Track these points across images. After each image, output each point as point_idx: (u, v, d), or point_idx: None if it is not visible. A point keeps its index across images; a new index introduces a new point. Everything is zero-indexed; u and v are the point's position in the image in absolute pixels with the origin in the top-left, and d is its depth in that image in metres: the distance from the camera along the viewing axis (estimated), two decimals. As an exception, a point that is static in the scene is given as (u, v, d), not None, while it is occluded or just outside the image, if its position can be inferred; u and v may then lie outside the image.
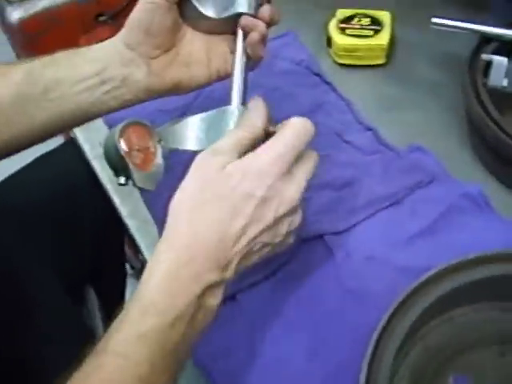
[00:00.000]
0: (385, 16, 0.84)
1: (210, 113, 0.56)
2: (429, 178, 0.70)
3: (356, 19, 0.83)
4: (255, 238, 0.48)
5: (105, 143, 0.54)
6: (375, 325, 0.57)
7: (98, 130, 0.81)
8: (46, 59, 0.60)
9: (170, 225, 0.48)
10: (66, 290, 0.70)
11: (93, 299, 0.81)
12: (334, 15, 0.85)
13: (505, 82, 0.68)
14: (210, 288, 0.46)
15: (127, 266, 1.21)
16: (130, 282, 1.13)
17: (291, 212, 0.50)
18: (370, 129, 0.76)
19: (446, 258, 0.57)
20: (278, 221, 0.49)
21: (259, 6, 0.57)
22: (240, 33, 0.58)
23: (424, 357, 0.56)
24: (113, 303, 0.95)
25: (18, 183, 0.86)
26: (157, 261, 0.47)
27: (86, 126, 0.81)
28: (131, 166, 0.52)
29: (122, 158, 0.52)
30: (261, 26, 0.56)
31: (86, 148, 0.80)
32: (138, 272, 1.49)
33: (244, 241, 0.47)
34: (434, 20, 0.75)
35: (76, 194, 0.84)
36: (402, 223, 0.67)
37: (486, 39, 0.73)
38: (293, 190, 0.49)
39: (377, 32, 0.82)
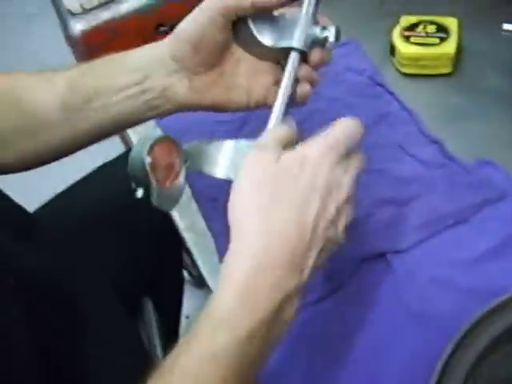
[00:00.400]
0: (452, 23, 0.80)
1: (245, 142, 0.54)
2: (498, 195, 0.66)
3: (421, 26, 0.80)
4: (325, 232, 0.45)
5: (132, 153, 0.53)
6: (438, 351, 0.54)
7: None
8: (84, 68, 0.60)
9: (236, 233, 0.45)
10: (122, 302, 0.70)
11: (150, 310, 0.82)
12: (398, 22, 0.83)
13: None
14: (288, 297, 0.43)
15: (185, 273, 1.22)
16: (187, 288, 1.13)
17: (347, 202, 0.47)
18: (435, 141, 0.72)
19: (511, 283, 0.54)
20: (339, 212, 0.47)
21: (314, 44, 0.56)
22: (289, 68, 0.56)
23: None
24: (170, 313, 0.95)
25: (78, 194, 0.87)
26: (228, 274, 0.44)
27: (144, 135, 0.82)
28: (153, 183, 0.51)
29: (145, 171, 0.51)
30: (307, 69, 0.56)
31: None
32: (196, 279, 1.49)
33: (319, 235, 0.45)
34: (506, 26, 0.72)
35: (134, 205, 0.84)
36: (468, 243, 0.64)
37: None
38: (347, 179, 0.47)
39: (443, 40, 0.78)
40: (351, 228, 0.50)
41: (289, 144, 0.49)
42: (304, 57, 0.57)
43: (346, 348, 0.58)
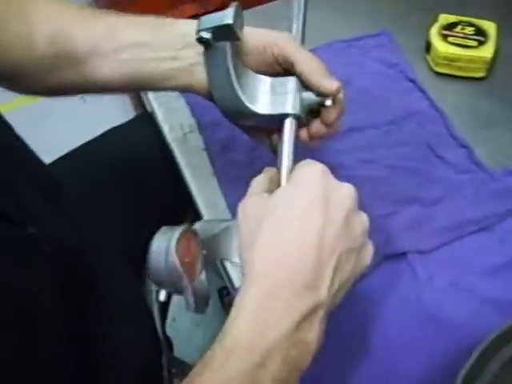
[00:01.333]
0: (490, 27, 0.79)
1: None
2: (523, 206, 0.66)
3: (459, 27, 0.79)
4: (335, 244, 0.43)
5: (152, 255, 0.49)
6: (453, 356, 0.54)
7: (178, 112, 0.79)
8: (130, 20, 0.59)
9: (246, 262, 0.45)
10: (132, 268, 0.69)
11: (150, 283, 0.80)
12: (434, 20, 0.81)
13: None
14: (304, 317, 0.42)
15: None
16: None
17: (354, 211, 0.46)
18: (464, 146, 0.72)
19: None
20: (347, 221, 0.45)
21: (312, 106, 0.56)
22: (286, 133, 0.54)
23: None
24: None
25: (89, 154, 0.85)
26: (240, 302, 0.43)
27: (166, 104, 0.80)
28: (186, 283, 0.47)
29: (171, 272, 0.47)
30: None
31: (165, 129, 0.77)
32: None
33: (328, 250, 0.43)
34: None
35: (146, 175, 0.82)
36: (489, 251, 0.64)
37: None
38: (347, 186, 0.47)
39: (481, 43, 0.77)
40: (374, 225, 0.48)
41: (270, 184, 0.51)
42: (301, 121, 0.56)
43: (361, 345, 0.58)
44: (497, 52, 0.80)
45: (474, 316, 0.59)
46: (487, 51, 0.77)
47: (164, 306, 0.89)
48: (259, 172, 0.70)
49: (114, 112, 1.56)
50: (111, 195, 0.78)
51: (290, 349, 0.41)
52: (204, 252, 0.51)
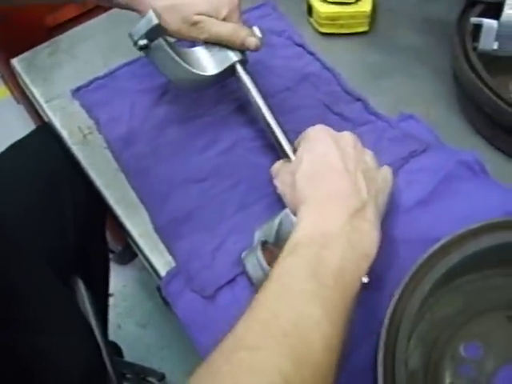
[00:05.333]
0: (364, -19, 0.82)
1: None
2: (422, 147, 0.69)
3: (336, -14, 0.81)
4: (356, 166, 0.55)
5: (250, 274, 0.56)
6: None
7: (75, 115, 0.77)
8: None
9: (294, 198, 0.55)
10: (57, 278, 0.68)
11: (81, 289, 0.79)
12: (312, -18, 0.83)
13: (495, 45, 0.67)
14: (356, 211, 0.50)
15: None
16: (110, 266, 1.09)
17: (358, 145, 0.58)
18: (359, 99, 0.74)
19: (446, 228, 0.57)
20: (356, 151, 0.57)
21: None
22: (243, 76, 0.66)
23: (434, 327, 0.56)
24: (99, 289, 0.93)
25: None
26: (299, 216, 0.51)
27: (61, 111, 0.78)
28: None
29: None
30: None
31: (64, 134, 0.76)
32: (118, 256, 1.46)
33: (351, 168, 0.54)
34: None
35: (56, 179, 0.80)
36: (397, 195, 0.66)
37: (471, 2, 0.72)
38: (348, 133, 0.58)
39: (359, -1, 0.79)
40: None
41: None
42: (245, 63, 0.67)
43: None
44: (375, 5, 0.83)
45: (391, 259, 0.61)
46: (366, 5, 0.79)
47: (101, 312, 0.88)
48: (164, 161, 0.70)
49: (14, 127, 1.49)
50: (24, 206, 0.76)
51: (351, 235, 0.49)
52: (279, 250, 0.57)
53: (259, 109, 0.65)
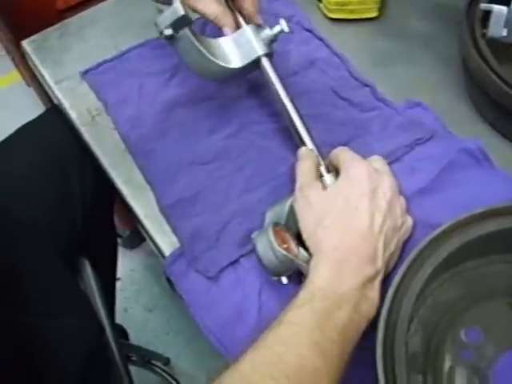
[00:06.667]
0: (375, -33, 0.81)
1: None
2: (428, 135, 0.69)
3: (346, -29, 0.81)
4: (383, 224, 0.55)
5: (261, 255, 0.56)
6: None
7: (83, 97, 0.78)
8: None
9: (313, 241, 0.55)
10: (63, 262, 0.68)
11: (88, 271, 0.79)
12: (322, -33, 0.83)
13: (504, 32, 0.67)
14: (368, 279, 0.52)
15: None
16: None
17: (395, 194, 0.58)
18: (366, 85, 0.74)
19: (448, 215, 0.56)
20: (390, 205, 0.56)
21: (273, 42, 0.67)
22: (269, 71, 0.65)
23: (435, 311, 0.56)
24: (107, 273, 0.93)
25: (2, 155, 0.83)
26: (315, 267, 0.53)
27: (70, 92, 0.79)
28: (295, 260, 0.55)
29: (283, 258, 0.55)
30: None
31: (73, 116, 0.76)
32: (126, 240, 1.47)
33: (377, 229, 0.54)
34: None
35: (64, 162, 0.81)
36: (401, 181, 0.66)
37: (481, -12, 0.71)
38: (388, 179, 0.58)
39: (368, -16, 0.79)
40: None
41: (316, 170, 0.60)
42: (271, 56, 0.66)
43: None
44: (385, -10, 0.83)
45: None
46: (375, -10, 0.79)
47: (108, 294, 0.89)
48: (172, 143, 0.70)
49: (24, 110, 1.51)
50: (33, 189, 0.77)
51: (360, 301, 0.51)
52: (289, 232, 0.58)
53: (284, 106, 0.64)
